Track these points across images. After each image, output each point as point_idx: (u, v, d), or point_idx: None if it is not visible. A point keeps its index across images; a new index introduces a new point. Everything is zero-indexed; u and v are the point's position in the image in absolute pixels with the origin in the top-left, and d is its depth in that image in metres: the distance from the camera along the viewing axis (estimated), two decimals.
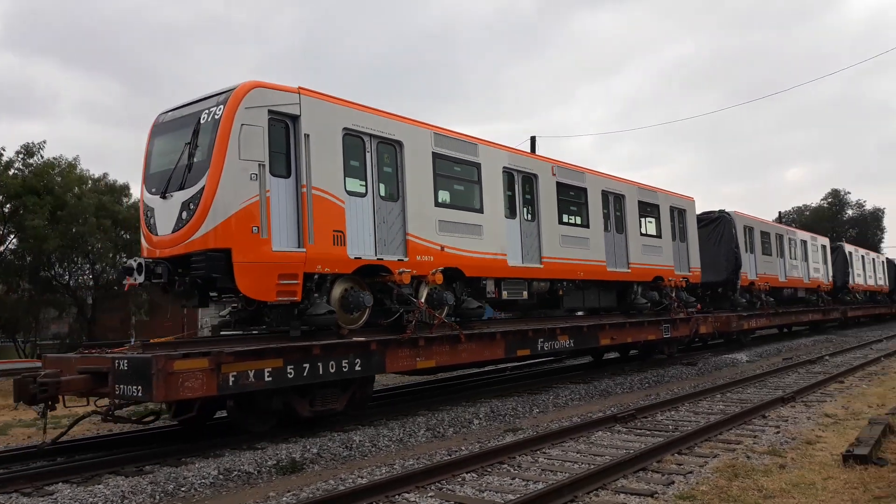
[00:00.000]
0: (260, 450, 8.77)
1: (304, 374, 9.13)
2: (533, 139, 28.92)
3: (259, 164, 9.05)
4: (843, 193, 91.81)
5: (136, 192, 26.54)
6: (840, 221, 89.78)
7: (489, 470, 7.67)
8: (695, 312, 20.02)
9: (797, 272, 29.22)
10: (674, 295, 18.90)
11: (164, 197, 9.29)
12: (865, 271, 39.73)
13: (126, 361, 7.91)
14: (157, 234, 9.34)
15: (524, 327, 13.22)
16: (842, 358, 20.26)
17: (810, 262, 30.89)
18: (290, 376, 8.95)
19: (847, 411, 10.90)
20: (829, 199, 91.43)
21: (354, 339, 9.90)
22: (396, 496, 6.68)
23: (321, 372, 9.35)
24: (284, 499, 6.82)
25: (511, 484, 7.09)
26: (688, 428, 9.60)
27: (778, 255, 27.55)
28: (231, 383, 8.27)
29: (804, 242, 30.69)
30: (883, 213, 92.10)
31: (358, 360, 9.89)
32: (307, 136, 9.62)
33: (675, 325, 18.63)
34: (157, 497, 7.08)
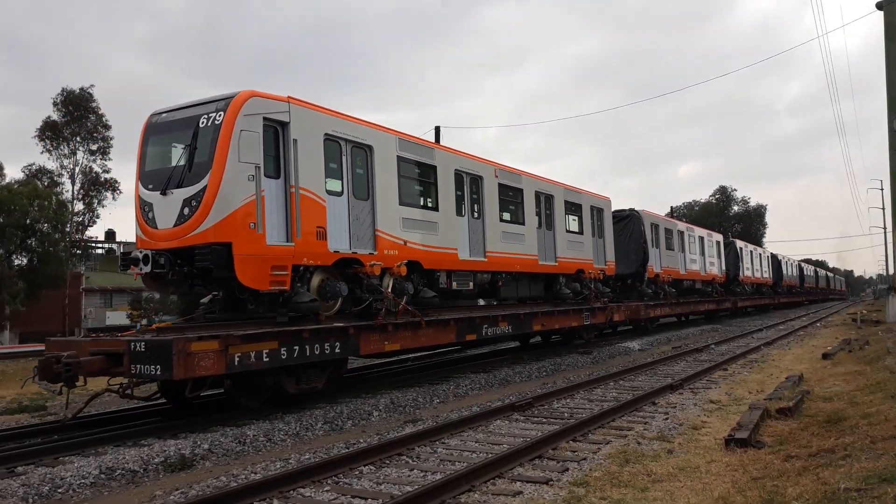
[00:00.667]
0: (146, 446, 8.52)
1: (295, 355, 10.22)
2: (437, 129, 28.90)
3: (255, 167, 10.02)
4: (730, 190, 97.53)
5: (10, 172, 25.48)
6: (727, 216, 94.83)
7: (388, 462, 7.58)
8: (609, 302, 22.21)
9: (696, 266, 32.33)
10: (592, 286, 20.99)
11: (164, 194, 10.09)
12: (753, 265, 43.97)
13: (143, 343, 8.77)
14: (156, 228, 10.13)
15: (472, 315, 14.72)
16: (726, 346, 21.41)
17: (707, 257, 34.14)
18: (283, 357, 10.03)
19: (730, 397, 11.38)
20: (718, 196, 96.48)
21: (335, 324, 11.06)
22: (291, 492, 6.48)
23: (308, 353, 10.46)
24: (172, 497, 6.56)
25: (409, 475, 7.04)
26: (582, 415, 9.87)
27: (679, 250, 30.44)
28: (237, 363, 9.28)
29: (702, 238, 33.89)
30: (765, 209, 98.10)
31: (338, 343, 11.05)
32: (295, 140, 10.65)
33: (594, 313, 20.71)
34: (31, 500, 6.68)
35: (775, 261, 52.27)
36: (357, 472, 7.20)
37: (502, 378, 14.68)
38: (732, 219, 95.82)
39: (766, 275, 48.13)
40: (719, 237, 38.02)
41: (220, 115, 9.96)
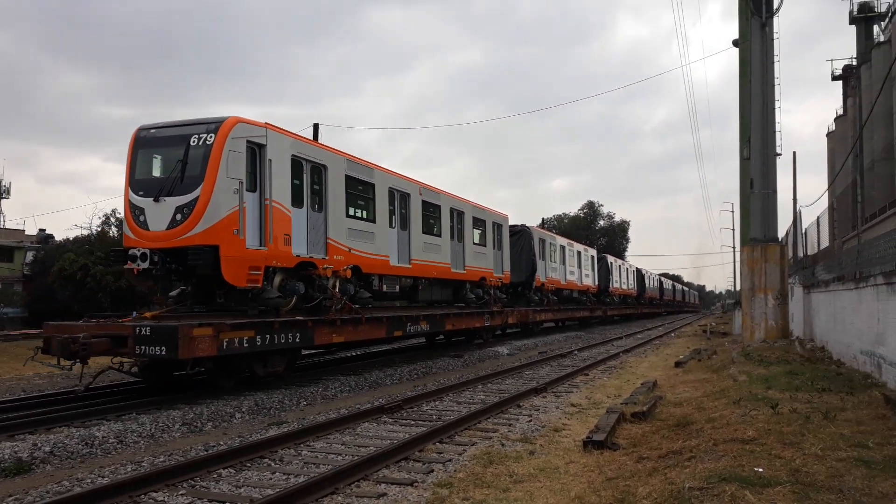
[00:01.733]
0: None
1: (266, 342, 12.07)
2: (316, 127, 28.97)
3: (239, 182, 11.81)
4: (597, 205, 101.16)
5: None
6: (594, 230, 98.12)
7: (249, 465, 7.39)
8: (504, 307, 25.15)
9: (574, 277, 36.24)
10: (492, 292, 23.85)
11: (157, 200, 11.64)
12: (621, 278, 49.02)
13: (149, 328, 10.37)
14: (148, 230, 11.66)
15: (401, 314, 16.99)
16: (588, 353, 22.62)
17: (583, 269, 38.24)
18: (258, 344, 11.85)
19: (590, 401, 11.86)
20: (586, 210, 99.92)
21: (297, 317, 12.98)
22: (143, 496, 6.20)
23: (276, 342, 12.32)
24: None
25: (271, 479, 6.92)
26: (450, 417, 10.00)
27: (561, 262, 34.14)
28: (224, 347, 11.04)
29: (579, 253, 37.91)
30: (629, 224, 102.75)
31: (298, 334, 12.97)
32: (270, 160, 12.51)
33: (493, 315, 23.52)
34: None
35: (640, 275, 58.12)
36: (216, 476, 6.97)
37: (373, 381, 14.64)
38: (598, 232, 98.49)
39: (631, 287, 53.59)
40: (594, 252, 42.38)
41: (210, 137, 11.67)
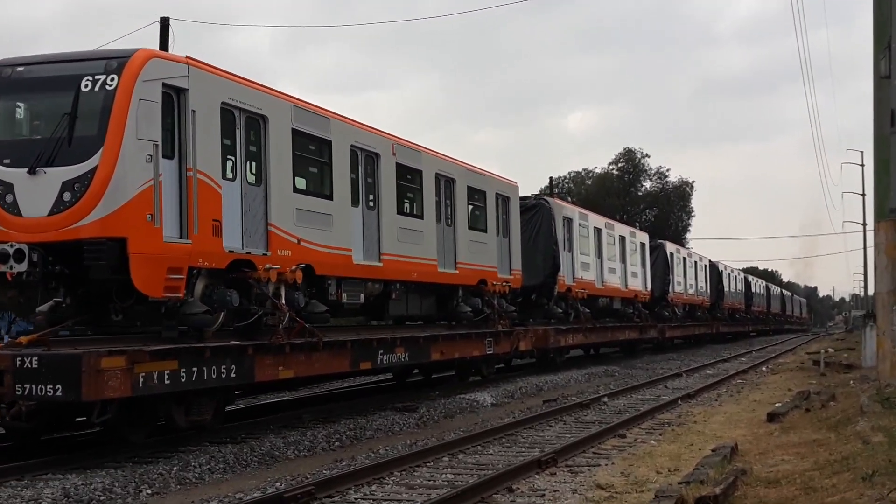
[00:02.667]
0: None
1: (194, 378, 13.81)
2: (165, 23, 28.76)
3: (154, 145, 13.50)
4: (640, 156, 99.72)
5: None
6: (634, 197, 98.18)
7: None
8: (513, 324, 27.09)
9: (615, 278, 38.54)
10: (496, 303, 25.80)
11: (32, 172, 13.26)
12: (686, 279, 51.55)
13: (36, 358, 12.05)
14: (20, 215, 13.27)
15: (370, 336, 18.94)
16: (625, 400, 23.16)
17: (628, 265, 40.52)
18: (182, 380, 13.60)
19: (628, 480, 12.10)
20: (622, 163, 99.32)
21: (233, 342, 14.75)
22: None
23: (206, 377, 14.08)
24: None
25: None
26: None
27: (596, 255, 36.26)
28: (141, 384, 12.76)
29: (622, 239, 40.23)
30: (692, 188, 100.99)
31: (234, 366, 14.75)
32: (193, 112, 14.22)
33: (498, 339, 25.52)
34: None
35: (715, 273, 60.88)
36: None
37: (266, 451, 14.92)
38: (642, 200, 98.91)
39: (702, 292, 56.26)
40: (644, 237, 44.80)
41: (112, 79, 13.32)
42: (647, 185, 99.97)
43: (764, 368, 35.83)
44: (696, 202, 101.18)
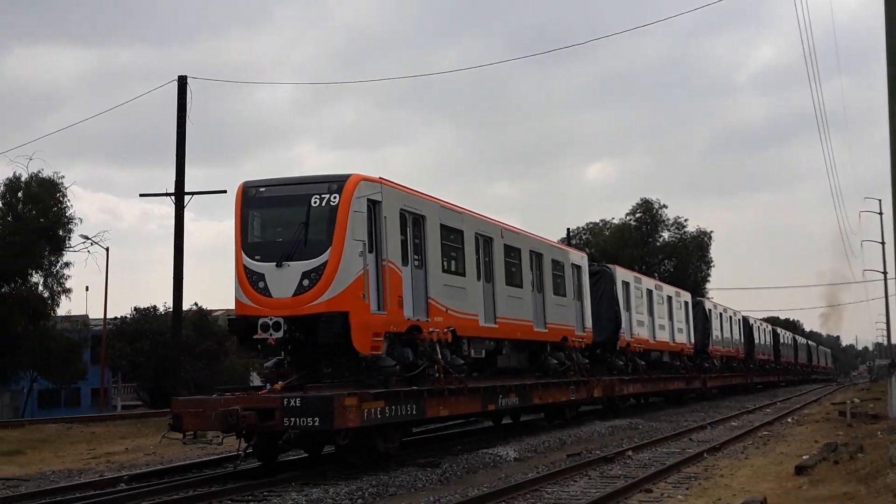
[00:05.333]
0: None
1: (392, 414, 18.97)
2: (182, 81, 32.88)
3: (363, 243, 18.82)
4: (657, 206, 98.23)
5: None
6: (652, 248, 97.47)
7: None
8: (589, 375, 32.22)
9: (665, 333, 43.57)
10: (575, 356, 31.02)
11: (279, 266, 18.59)
12: (723, 332, 56.47)
13: (299, 399, 17.26)
14: (271, 297, 18.59)
15: (494, 384, 24.12)
16: (650, 453, 23.46)
17: (675, 322, 45.57)
18: (387, 415, 18.77)
19: None
20: (639, 213, 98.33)
21: (413, 387, 19.96)
22: None
23: (399, 413, 19.25)
24: None
25: None
26: None
27: (648, 313, 41.39)
28: (364, 417, 17.95)
29: (670, 299, 45.28)
30: (710, 238, 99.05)
31: (414, 406, 19.92)
32: (385, 217, 19.56)
33: (578, 387, 30.62)
34: None
35: (746, 326, 65.70)
36: None
37: None
38: (660, 251, 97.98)
39: (737, 344, 61.13)
40: (687, 296, 49.79)
41: (335, 198, 18.67)
42: (665, 235, 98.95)
43: (790, 420, 36.56)
44: (714, 252, 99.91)
